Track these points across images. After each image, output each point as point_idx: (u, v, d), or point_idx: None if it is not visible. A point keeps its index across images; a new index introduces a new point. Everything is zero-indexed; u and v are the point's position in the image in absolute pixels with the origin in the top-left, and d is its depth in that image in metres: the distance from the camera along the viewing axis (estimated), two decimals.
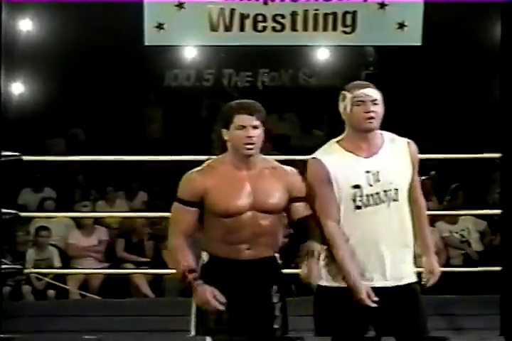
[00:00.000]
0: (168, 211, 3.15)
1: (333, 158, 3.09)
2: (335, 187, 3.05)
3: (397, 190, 3.07)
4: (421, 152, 3.21)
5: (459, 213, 6.75)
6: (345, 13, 5.42)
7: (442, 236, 6.90)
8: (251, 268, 3.05)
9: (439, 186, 7.75)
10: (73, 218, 6.93)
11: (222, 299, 2.96)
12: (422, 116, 9.23)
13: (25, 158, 4.88)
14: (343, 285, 3.02)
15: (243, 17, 5.52)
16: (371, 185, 3.04)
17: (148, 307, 5.26)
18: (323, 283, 3.07)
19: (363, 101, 3.04)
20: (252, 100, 3.10)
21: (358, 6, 5.40)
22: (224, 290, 2.99)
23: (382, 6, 5.37)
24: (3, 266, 5.22)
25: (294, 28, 5.48)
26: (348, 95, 3.07)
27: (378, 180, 3.05)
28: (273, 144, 8.83)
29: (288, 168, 3.15)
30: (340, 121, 10.10)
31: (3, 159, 4.61)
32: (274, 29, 5.51)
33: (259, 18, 5.51)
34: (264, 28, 5.52)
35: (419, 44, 5.35)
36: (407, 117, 8.72)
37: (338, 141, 3.15)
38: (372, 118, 3.04)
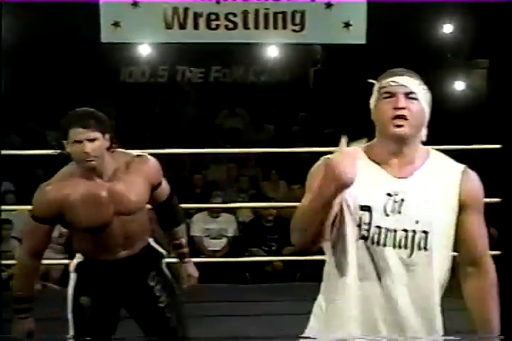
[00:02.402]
0: None
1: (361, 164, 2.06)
2: (341, 201, 2.05)
3: (426, 233, 2.02)
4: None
5: None
6: (294, 12, 5.51)
7: None
8: (127, 264, 2.99)
9: None
10: None
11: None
12: (365, 110, 9.36)
13: None
14: None
15: (197, 15, 5.59)
16: (387, 215, 2.04)
17: None
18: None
19: (390, 92, 2.05)
20: (90, 109, 2.88)
21: (306, 5, 5.50)
22: (102, 287, 2.99)
23: (329, 5, 5.48)
24: None
25: (245, 27, 5.55)
26: (376, 85, 2.12)
27: (399, 212, 2.03)
28: (225, 138, 8.90)
29: (143, 156, 2.99)
30: (289, 115, 10.18)
31: None
32: (226, 27, 5.59)
33: (212, 16, 5.58)
34: (217, 26, 5.60)
35: (364, 42, 5.46)
36: (352, 111, 8.84)
37: (365, 145, 2.15)
38: (402, 117, 2.01)
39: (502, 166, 4.80)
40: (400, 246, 2.03)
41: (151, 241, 3.11)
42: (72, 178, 2.85)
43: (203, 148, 5.78)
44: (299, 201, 2.14)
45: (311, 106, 10.07)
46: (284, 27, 5.52)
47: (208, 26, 5.59)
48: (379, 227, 2.03)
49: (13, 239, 6.74)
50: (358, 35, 5.48)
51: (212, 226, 6.75)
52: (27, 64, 8.57)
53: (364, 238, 2.04)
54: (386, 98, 2.05)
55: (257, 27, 5.55)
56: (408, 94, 2.04)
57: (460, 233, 2.08)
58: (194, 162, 8.28)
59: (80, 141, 2.75)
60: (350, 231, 2.06)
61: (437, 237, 2.03)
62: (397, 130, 2.02)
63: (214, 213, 6.72)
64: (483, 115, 8.71)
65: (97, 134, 2.78)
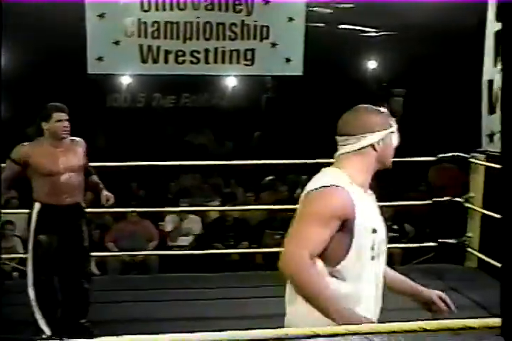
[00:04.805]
0: None
1: (354, 191, 1.92)
2: (352, 227, 1.88)
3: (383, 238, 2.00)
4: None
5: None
6: (246, 50, 5.50)
7: None
8: (70, 210, 3.62)
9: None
10: None
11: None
12: (308, 129, 9.42)
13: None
14: None
15: (167, 52, 5.52)
16: (381, 232, 1.98)
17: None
18: None
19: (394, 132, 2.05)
20: (62, 104, 3.67)
21: (256, 44, 5.48)
22: (53, 225, 3.55)
23: (274, 45, 5.48)
24: None
25: (207, 61, 5.51)
26: (380, 131, 1.99)
27: (382, 227, 2.00)
28: (194, 152, 8.85)
29: (81, 139, 3.77)
30: (246, 133, 10.05)
31: None
32: (191, 62, 5.53)
33: (180, 53, 5.52)
34: (184, 61, 5.53)
35: (301, 74, 5.50)
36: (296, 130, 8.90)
37: (342, 171, 1.96)
38: None
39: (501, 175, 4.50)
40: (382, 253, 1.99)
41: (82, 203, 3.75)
42: (41, 144, 3.63)
43: (175, 160, 5.69)
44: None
45: (263, 126, 10.10)
46: (238, 62, 5.51)
47: (176, 61, 5.52)
48: (379, 245, 1.95)
49: (16, 237, 6.58)
50: (296, 68, 5.49)
51: (182, 226, 6.68)
52: (28, 89, 8.41)
53: (372, 258, 1.93)
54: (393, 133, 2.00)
55: (216, 62, 5.51)
56: None
57: None
58: (168, 172, 8.19)
59: (61, 120, 3.58)
60: (364, 254, 1.91)
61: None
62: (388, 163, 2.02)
63: (183, 215, 6.65)
64: (400, 134, 8.78)
65: (67, 117, 3.62)
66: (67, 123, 3.61)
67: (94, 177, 3.90)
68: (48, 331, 3.56)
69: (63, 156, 3.62)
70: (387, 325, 1.66)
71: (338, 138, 1.98)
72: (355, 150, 1.95)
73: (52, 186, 3.56)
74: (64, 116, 3.61)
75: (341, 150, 1.97)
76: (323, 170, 2.00)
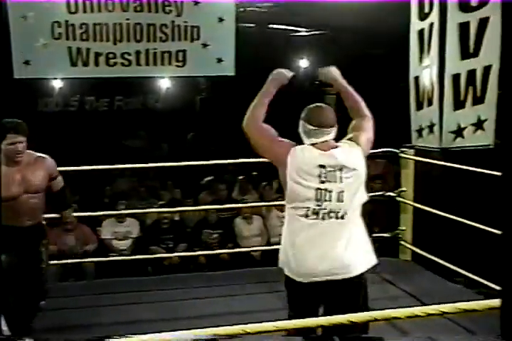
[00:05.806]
0: None
1: None
2: None
3: None
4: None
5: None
6: (178, 51, 5.45)
7: None
8: (30, 231, 3.47)
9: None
10: None
11: None
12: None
13: None
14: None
15: (97, 54, 5.41)
16: None
17: None
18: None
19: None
20: (18, 120, 3.40)
21: (187, 45, 5.43)
22: (14, 245, 3.40)
23: (205, 45, 5.44)
24: None
25: (138, 63, 5.44)
26: None
27: None
28: (130, 155, 8.71)
29: (45, 156, 3.55)
30: (180, 135, 9.95)
31: None
32: (122, 64, 5.44)
33: (111, 55, 5.42)
34: (115, 64, 5.43)
35: (233, 74, 5.50)
36: (230, 130, 8.84)
37: None
38: None
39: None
40: None
41: (43, 222, 3.60)
42: None
43: (111, 164, 5.56)
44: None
45: (198, 127, 10.06)
46: (170, 63, 5.46)
47: (107, 63, 5.42)
48: None
49: None
50: (228, 68, 5.50)
51: (119, 230, 6.57)
52: None
53: None
54: None
55: (147, 63, 5.45)
56: None
57: None
58: (103, 176, 8.03)
59: (14, 143, 3.32)
60: None
61: None
62: None
63: (120, 218, 6.55)
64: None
65: (23, 138, 3.35)
66: (21, 146, 3.34)
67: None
68: None
69: (21, 177, 3.39)
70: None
71: (325, 129, 2.76)
72: (334, 137, 2.80)
73: (11, 209, 3.31)
74: (18, 137, 3.33)
75: (328, 136, 2.78)
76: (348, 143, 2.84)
